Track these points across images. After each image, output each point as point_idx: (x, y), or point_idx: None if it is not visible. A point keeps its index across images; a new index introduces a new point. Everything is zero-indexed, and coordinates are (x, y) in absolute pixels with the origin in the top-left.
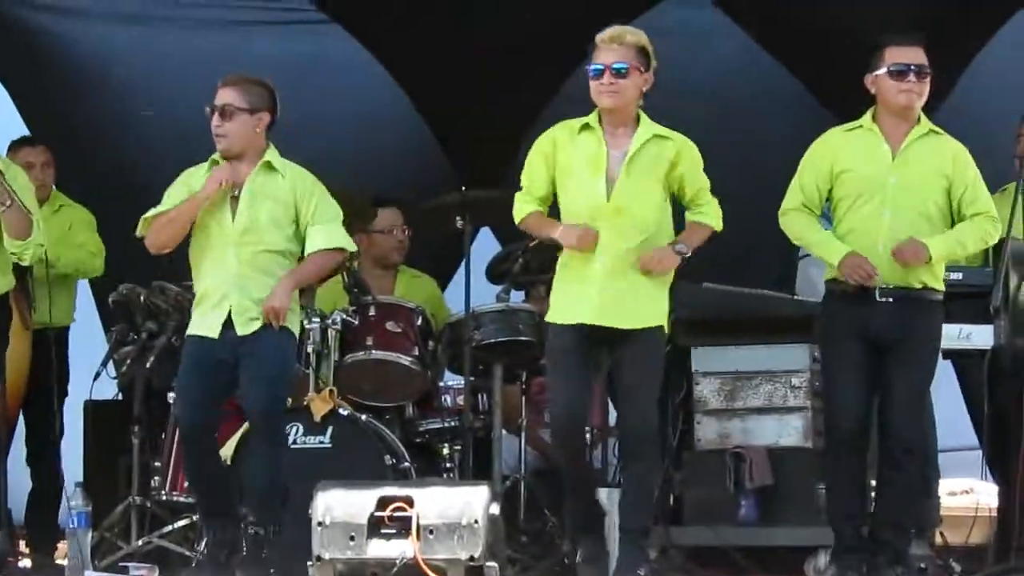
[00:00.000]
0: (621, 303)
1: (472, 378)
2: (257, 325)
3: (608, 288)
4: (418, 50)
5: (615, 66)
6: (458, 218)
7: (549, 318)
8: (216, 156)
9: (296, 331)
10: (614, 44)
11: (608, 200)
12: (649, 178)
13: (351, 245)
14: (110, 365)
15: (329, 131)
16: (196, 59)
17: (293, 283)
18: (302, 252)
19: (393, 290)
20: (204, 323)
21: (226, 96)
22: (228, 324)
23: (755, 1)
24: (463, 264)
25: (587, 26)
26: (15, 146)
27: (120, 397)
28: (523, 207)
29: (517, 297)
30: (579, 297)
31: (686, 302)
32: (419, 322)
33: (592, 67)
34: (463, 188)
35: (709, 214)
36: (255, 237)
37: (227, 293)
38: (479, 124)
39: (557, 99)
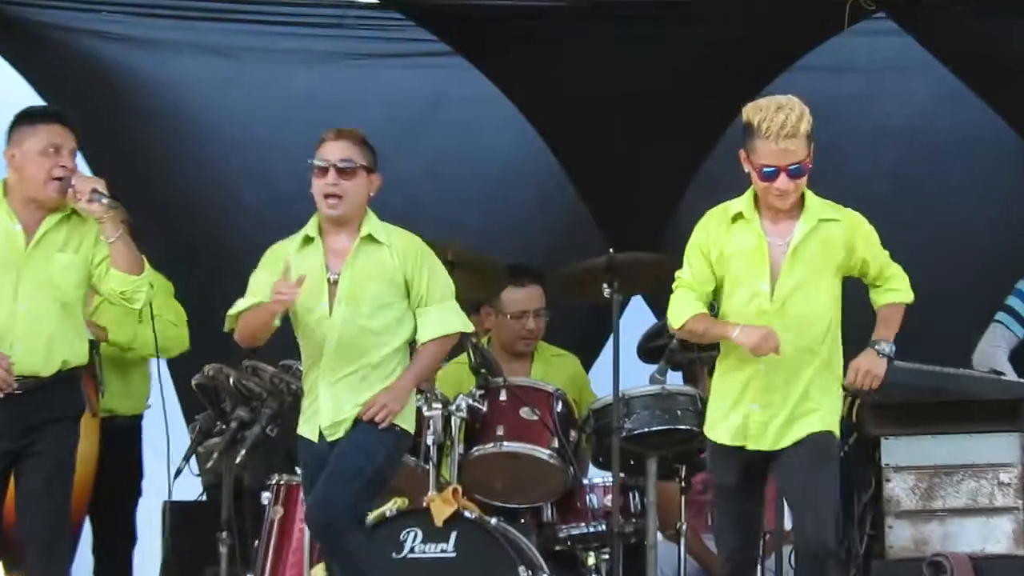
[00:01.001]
0: (785, 421)
1: (622, 474)
2: (342, 431)
3: (771, 403)
4: (556, 89)
5: (793, 168)
6: (605, 285)
7: (708, 431)
8: (309, 230)
9: (411, 428)
10: (788, 142)
11: (772, 300)
12: (818, 270)
13: (468, 326)
14: (193, 460)
15: (454, 181)
16: (295, 100)
17: (414, 383)
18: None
19: (529, 371)
20: (307, 425)
21: (346, 150)
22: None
23: (953, 27)
24: (611, 339)
25: (749, 67)
26: None
27: (205, 497)
28: (684, 308)
29: (675, 378)
30: (742, 416)
31: None
32: (559, 408)
33: (764, 168)
34: (611, 250)
35: (899, 288)
36: (357, 326)
37: (320, 396)
38: (630, 178)
39: (719, 148)
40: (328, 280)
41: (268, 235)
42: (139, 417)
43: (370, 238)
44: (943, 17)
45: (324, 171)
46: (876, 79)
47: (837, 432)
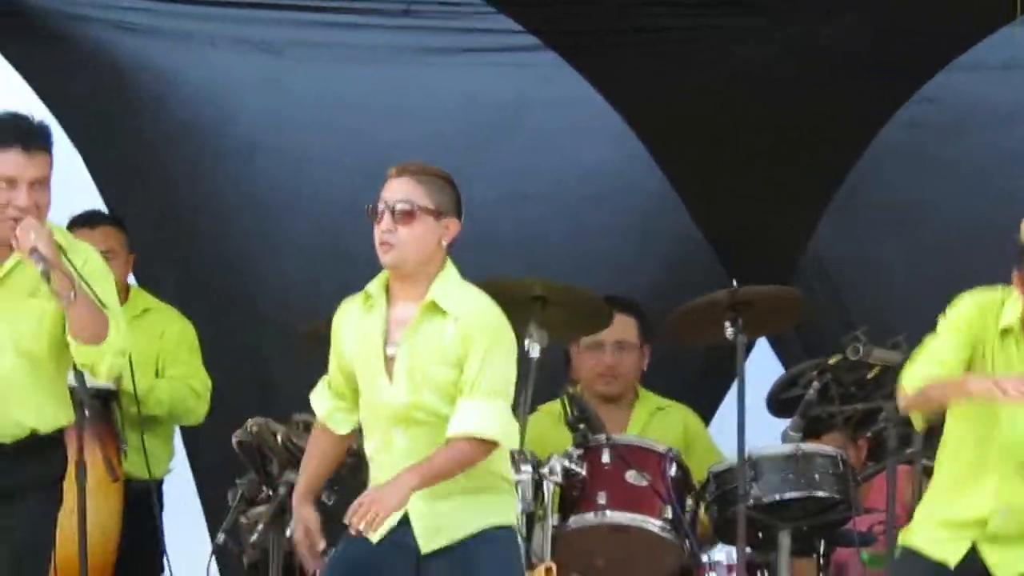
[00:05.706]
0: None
1: (748, 550)
2: (445, 540)
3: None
4: (668, 94)
5: None
6: (727, 325)
7: (907, 541)
8: (372, 288)
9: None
10: None
11: None
12: None
13: (510, 439)
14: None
15: (539, 203)
16: (349, 106)
17: (419, 482)
18: None
19: (626, 422)
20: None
21: (406, 188)
22: (404, 529)
23: None
24: (732, 390)
25: (897, 68)
26: (75, 224)
27: None
28: (917, 372)
29: None
30: (960, 528)
31: None
32: (672, 471)
33: None
34: (734, 283)
35: None
36: (425, 414)
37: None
38: (755, 199)
39: (864, 162)
40: (386, 355)
41: (317, 272)
42: (159, 483)
43: (433, 307)
44: None
45: (379, 214)
46: None
47: None
